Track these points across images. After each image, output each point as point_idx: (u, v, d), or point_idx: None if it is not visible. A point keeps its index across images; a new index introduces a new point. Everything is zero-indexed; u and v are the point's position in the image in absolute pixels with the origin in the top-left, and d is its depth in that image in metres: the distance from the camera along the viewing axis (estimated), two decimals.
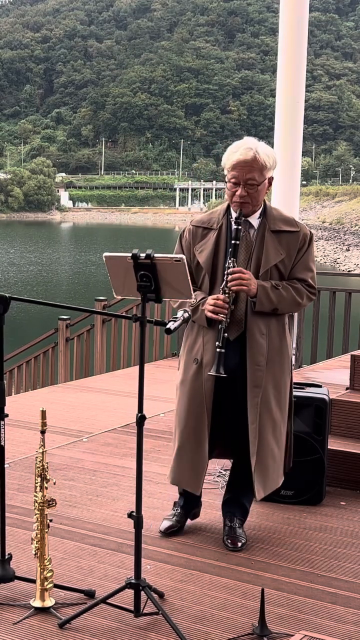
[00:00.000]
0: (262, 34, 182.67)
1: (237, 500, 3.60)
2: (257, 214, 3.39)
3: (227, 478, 3.84)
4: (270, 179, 3.37)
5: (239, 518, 3.61)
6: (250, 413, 3.35)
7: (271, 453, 3.42)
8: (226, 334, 3.28)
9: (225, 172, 3.36)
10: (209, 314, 3.30)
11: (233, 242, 3.31)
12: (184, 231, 3.52)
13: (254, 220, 3.38)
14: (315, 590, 3.16)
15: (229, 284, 3.27)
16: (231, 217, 3.39)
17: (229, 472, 3.76)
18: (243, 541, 3.54)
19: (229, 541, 3.53)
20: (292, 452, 3.62)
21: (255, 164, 3.26)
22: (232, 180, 3.31)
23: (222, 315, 3.27)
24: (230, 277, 3.27)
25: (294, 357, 7.29)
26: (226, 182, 3.36)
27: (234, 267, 3.29)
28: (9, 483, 3.41)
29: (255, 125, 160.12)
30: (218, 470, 4.38)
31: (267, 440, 3.39)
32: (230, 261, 3.30)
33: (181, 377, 3.48)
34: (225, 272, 3.29)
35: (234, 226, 3.35)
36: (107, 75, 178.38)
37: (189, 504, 3.69)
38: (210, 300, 3.31)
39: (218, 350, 3.25)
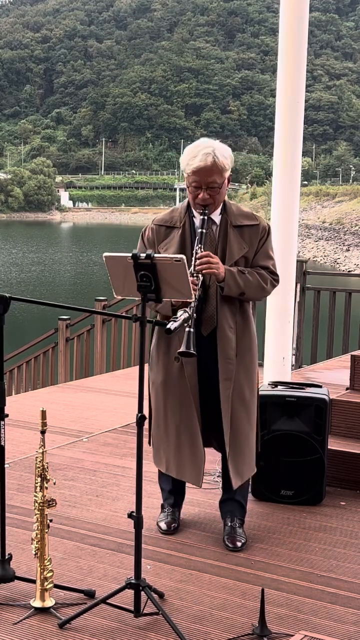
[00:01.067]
0: (262, 34, 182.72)
1: (233, 500, 3.63)
2: (218, 210, 3.47)
3: None
4: (229, 177, 3.43)
5: (239, 518, 3.63)
6: (223, 406, 3.43)
7: (247, 441, 3.53)
8: (195, 315, 3.27)
9: (185, 175, 3.40)
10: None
11: (200, 230, 3.37)
12: (145, 230, 3.56)
13: (215, 216, 3.46)
14: (315, 590, 3.16)
15: (198, 267, 3.30)
16: (193, 215, 3.47)
17: None
18: (243, 541, 3.55)
19: (229, 541, 3.54)
20: (259, 437, 3.74)
21: (214, 168, 3.31)
22: (194, 184, 3.36)
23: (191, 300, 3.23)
24: (198, 261, 3.31)
25: (293, 357, 7.29)
26: (187, 185, 3.41)
27: (202, 252, 3.34)
28: (9, 483, 3.41)
29: (255, 125, 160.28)
30: (218, 470, 4.38)
31: (243, 428, 3.49)
32: (197, 247, 3.35)
33: (162, 377, 3.49)
34: (193, 257, 3.32)
35: (200, 217, 3.40)
36: (107, 75, 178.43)
37: (178, 498, 3.76)
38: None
39: (187, 329, 3.22)
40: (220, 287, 3.38)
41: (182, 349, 3.21)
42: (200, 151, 3.32)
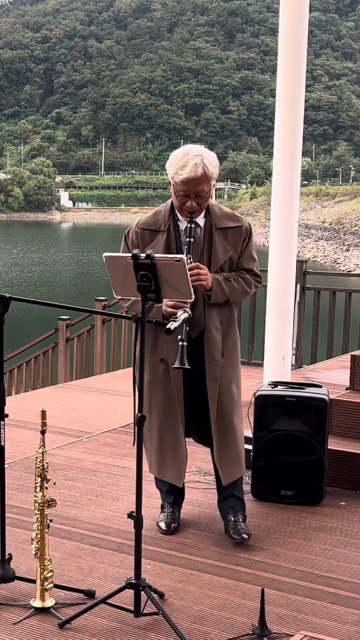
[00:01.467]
0: (262, 34, 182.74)
1: (233, 496, 3.65)
2: (202, 213, 3.49)
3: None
4: (214, 184, 3.46)
5: (241, 513, 3.66)
6: (211, 406, 3.50)
7: (238, 437, 3.61)
8: (187, 328, 3.32)
9: (172, 181, 3.39)
10: (170, 309, 3.33)
11: (188, 239, 3.40)
12: (129, 232, 3.56)
13: (200, 219, 3.49)
14: (315, 590, 3.16)
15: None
16: (177, 219, 3.49)
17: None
18: (248, 534, 3.57)
19: (235, 534, 3.56)
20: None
21: (204, 178, 3.33)
22: (182, 193, 3.37)
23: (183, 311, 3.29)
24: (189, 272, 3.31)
25: (294, 357, 7.29)
26: (173, 192, 3.40)
27: (190, 263, 3.35)
28: (9, 483, 3.41)
29: (255, 125, 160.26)
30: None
31: (233, 424, 3.57)
32: (186, 258, 3.34)
33: (148, 377, 3.50)
34: None
35: (185, 225, 3.43)
36: (107, 75, 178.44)
37: (178, 498, 3.77)
38: (171, 303, 3.34)
39: (181, 343, 3.30)
40: (207, 295, 3.44)
41: (177, 364, 3.30)
42: (189, 161, 3.31)
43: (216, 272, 3.47)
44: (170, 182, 3.43)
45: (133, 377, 3.57)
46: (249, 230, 3.58)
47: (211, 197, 3.47)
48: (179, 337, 3.30)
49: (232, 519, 3.62)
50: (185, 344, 3.29)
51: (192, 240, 3.39)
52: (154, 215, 3.56)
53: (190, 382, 3.52)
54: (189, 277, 2.89)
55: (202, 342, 3.49)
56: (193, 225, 3.41)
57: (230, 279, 3.48)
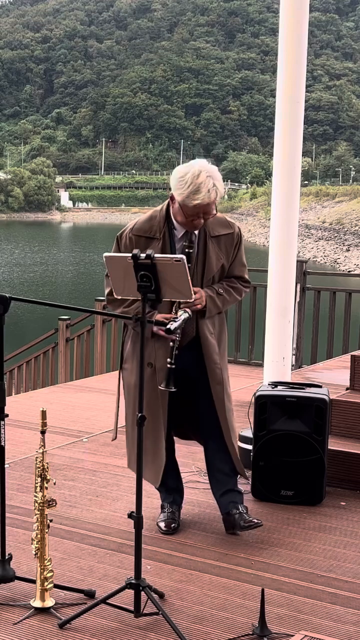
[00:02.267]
0: (262, 34, 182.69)
1: (232, 489, 3.68)
2: None
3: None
4: None
5: (243, 504, 3.68)
6: (219, 409, 3.56)
7: (235, 434, 3.69)
8: (177, 352, 3.39)
9: (180, 201, 3.33)
10: (160, 332, 3.36)
11: (187, 251, 3.42)
12: (122, 235, 3.54)
13: None
14: (315, 591, 3.16)
15: (183, 306, 3.36)
16: (172, 226, 3.48)
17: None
18: (259, 519, 3.62)
19: (246, 523, 3.58)
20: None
21: (214, 200, 3.35)
22: (191, 214, 3.34)
23: (174, 335, 3.34)
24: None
25: (294, 357, 7.29)
26: (180, 208, 3.35)
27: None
28: (9, 483, 3.41)
29: (255, 125, 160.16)
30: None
31: (232, 422, 3.65)
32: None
33: (135, 380, 3.52)
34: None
35: (181, 233, 3.45)
36: (107, 76, 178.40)
37: (177, 497, 3.79)
38: (160, 318, 3.37)
39: (169, 366, 3.37)
40: (202, 312, 3.48)
41: (162, 387, 3.36)
42: (201, 186, 3.26)
43: (209, 280, 3.52)
44: (173, 197, 3.38)
45: (119, 377, 3.62)
46: (240, 236, 3.62)
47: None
48: (168, 359, 3.37)
49: (237, 511, 3.63)
50: (173, 367, 3.35)
51: (190, 252, 3.43)
52: (148, 220, 3.51)
53: (182, 389, 3.52)
54: (189, 277, 2.89)
55: (194, 348, 3.53)
56: (192, 251, 3.43)
57: (222, 292, 3.54)
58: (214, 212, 3.40)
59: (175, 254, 3.42)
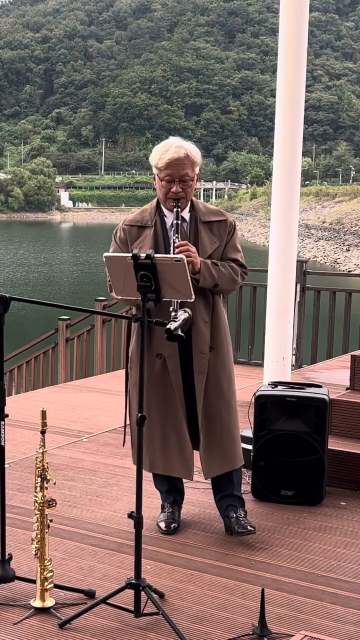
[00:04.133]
0: (262, 34, 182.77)
1: (231, 494, 3.66)
2: (187, 208, 3.54)
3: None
4: (198, 175, 3.51)
5: (242, 509, 3.67)
6: (198, 399, 3.52)
7: (228, 432, 3.58)
8: (179, 301, 3.29)
9: (156, 171, 3.46)
10: None
11: (175, 221, 3.42)
12: (117, 230, 3.61)
13: (185, 214, 3.53)
14: (315, 591, 3.16)
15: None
16: (163, 214, 3.53)
17: None
18: (254, 526, 3.59)
19: (239, 528, 3.56)
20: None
21: (187, 161, 3.40)
22: (167, 178, 3.42)
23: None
24: (177, 250, 3.34)
25: (294, 357, 7.29)
26: (159, 180, 3.46)
27: (179, 241, 3.39)
28: (9, 483, 3.41)
29: (255, 125, 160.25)
30: None
31: (222, 420, 3.56)
32: (174, 237, 3.40)
33: (147, 375, 3.48)
34: (172, 247, 3.37)
35: (172, 220, 3.45)
36: (107, 76, 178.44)
37: (178, 497, 3.77)
38: None
39: (173, 314, 3.24)
40: (195, 280, 3.42)
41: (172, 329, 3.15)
42: (172, 145, 3.41)
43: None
44: (155, 177, 3.48)
45: (125, 376, 3.60)
46: (234, 224, 3.64)
47: (194, 188, 3.51)
48: (171, 308, 3.25)
49: (234, 515, 3.62)
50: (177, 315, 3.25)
51: (179, 222, 3.42)
52: (140, 212, 3.62)
53: (182, 378, 3.52)
54: (189, 277, 2.89)
55: (191, 336, 3.49)
56: (179, 210, 3.43)
57: (217, 264, 3.50)
58: (190, 179, 3.41)
59: (166, 240, 3.46)
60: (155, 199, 3.58)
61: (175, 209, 3.44)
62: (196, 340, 3.49)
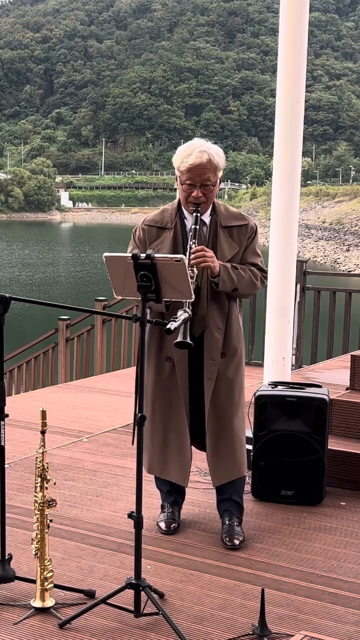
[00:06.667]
0: (262, 34, 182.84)
1: (230, 499, 3.64)
2: (208, 212, 3.50)
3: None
4: (220, 178, 3.48)
5: (237, 516, 3.65)
6: (206, 405, 3.50)
7: (238, 440, 3.57)
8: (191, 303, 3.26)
9: (178, 173, 3.43)
10: None
11: (193, 226, 3.39)
12: (136, 229, 3.59)
13: (206, 217, 3.49)
14: (316, 591, 3.16)
15: (193, 262, 3.30)
16: (184, 216, 3.50)
17: None
18: (241, 539, 3.56)
19: (227, 539, 3.56)
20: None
21: (209, 165, 3.35)
22: (188, 182, 3.38)
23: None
24: (193, 255, 3.32)
25: (294, 357, 7.29)
26: (180, 184, 3.43)
27: (196, 247, 3.36)
28: (9, 483, 3.41)
29: (255, 125, 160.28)
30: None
31: (230, 426, 3.54)
32: (191, 242, 3.37)
33: (153, 377, 3.53)
34: (188, 252, 3.34)
35: (193, 215, 3.41)
36: (107, 76, 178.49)
37: (178, 497, 3.76)
38: None
39: (184, 316, 3.17)
40: (214, 283, 3.40)
41: (179, 338, 3.18)
42: (195, 149, 3.35)
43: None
44: (177, 178, 3.44)
45: (136, 376, 3.57)
46: (255, 228, 3.58)
47: (216, 192, 3.46)
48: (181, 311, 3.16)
49: (227, 522, 3.62)
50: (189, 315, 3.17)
51: (197, 227, 3.38)
52: (161, 212, 3.57)
53: (192, 383, 3.52)
54: (189, 277, 2.89)
55: (200, 344, 3.47)
56: (198, 215, 3.39)
57: (237, 267, 3.45)
58: (212, 184, 3.38)
59: (185, 243, 3.42)
60: (177, 200, 3.54)
61: (194, 214, 3.40)
62: (208, 346, 3.48)
